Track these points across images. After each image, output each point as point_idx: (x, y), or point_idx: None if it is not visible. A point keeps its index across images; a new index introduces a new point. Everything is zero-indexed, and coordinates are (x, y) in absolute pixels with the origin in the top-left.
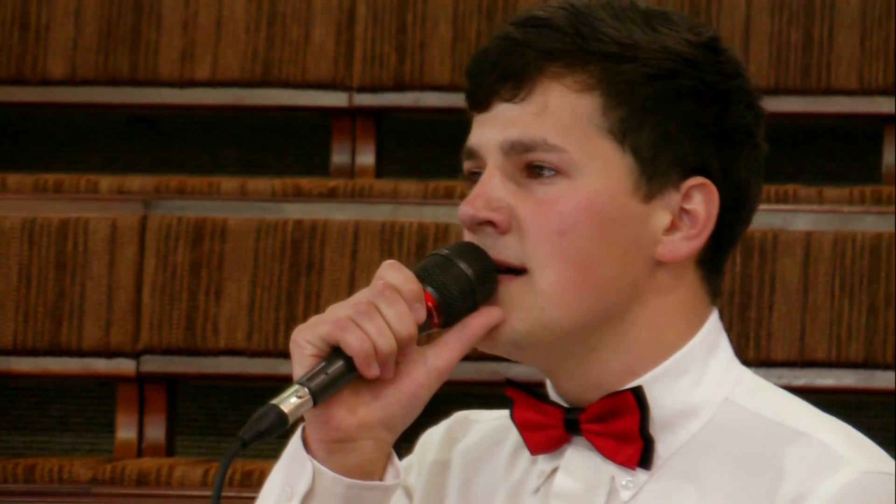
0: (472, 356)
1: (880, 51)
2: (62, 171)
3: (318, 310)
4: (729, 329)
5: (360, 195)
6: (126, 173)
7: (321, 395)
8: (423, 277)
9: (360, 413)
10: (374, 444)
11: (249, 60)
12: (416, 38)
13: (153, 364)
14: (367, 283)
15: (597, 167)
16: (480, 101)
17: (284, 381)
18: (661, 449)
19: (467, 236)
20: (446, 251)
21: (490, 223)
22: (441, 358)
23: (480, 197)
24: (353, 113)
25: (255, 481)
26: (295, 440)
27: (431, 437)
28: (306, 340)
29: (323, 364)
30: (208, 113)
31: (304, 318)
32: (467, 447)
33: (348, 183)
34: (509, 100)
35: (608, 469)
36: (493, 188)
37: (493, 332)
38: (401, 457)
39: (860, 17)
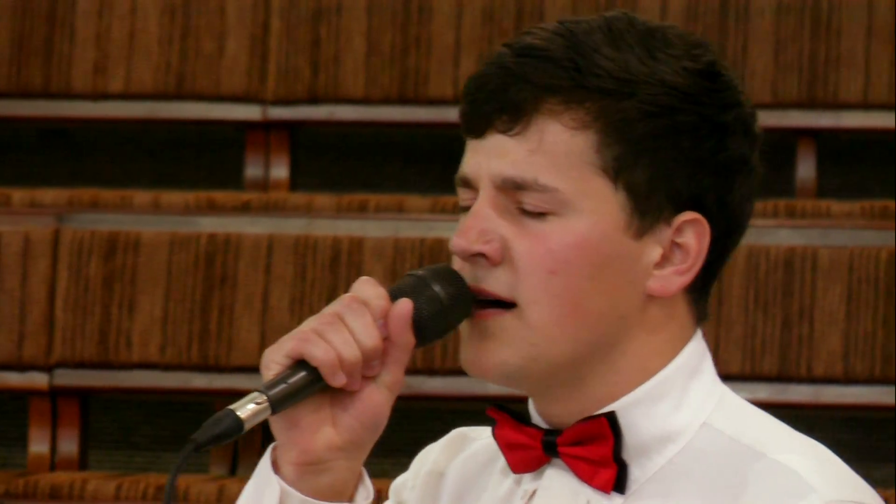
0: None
1: (794, 64)
2: None
3: (232, 323)
4: None
5: (274, 208)
6: (38, 186)
7: (280, 403)
8: (395, 296)
9: (327, 436)
10: (345, 466)
11: (163, 73)
12: (330, 52)
13: (66, 378)
14: (282, 296)
15: (589, 205)
16: (476, 128)
17: (198, 395)
18: (637, 473)
19: (457, 263)
20: (422, 272)
21: (482, 255)
22: (389, 372)
23: (473, 229)
24: (266, 126)
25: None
26: (264, 461)
27: (428, 453)
28: (272, 360)
29: (285, 374)
30: (121, 126)
31: (218, 332)
32: (462, 463)
33: (262, 196)
34: (504, 132)
35: (585, 492)
36: (486, 220)
37: (484, 362)
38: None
39: (773, 31)
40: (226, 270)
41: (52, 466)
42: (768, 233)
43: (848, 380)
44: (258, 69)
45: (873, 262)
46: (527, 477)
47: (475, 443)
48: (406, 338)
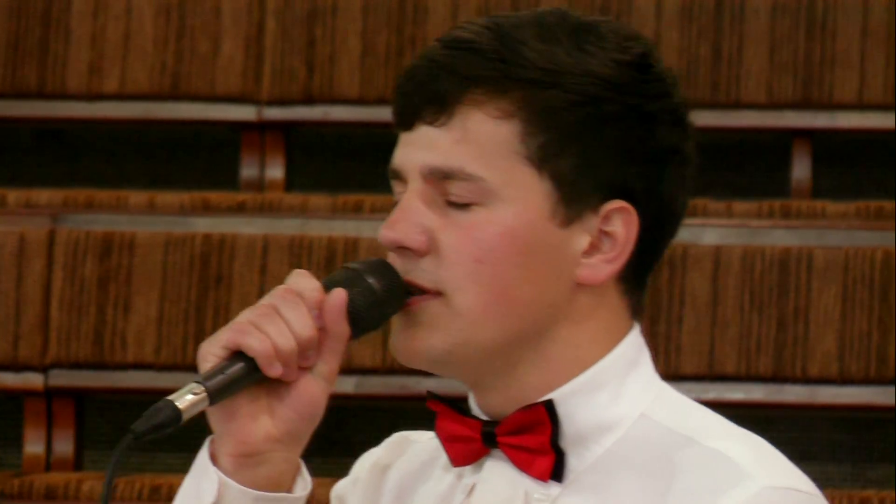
0: (382, 371)
1: (789, 65)
2: None
3: (227, 324)
4: None
5: (269, 209)
6: (33, 187)
7: (218, 394)
8: (329, 288)
9: (265, 427)
10: (282, 456)
11: (158, 74)
12: (326, 52)
13: (61, 378)
14: None
15: (514, 194)
16: (405, 121)
17: None
18: (575, 462)
19: (389, 257)
20: (356, 265)
21: (409, 247)
22: (325, 362)
23: (400, 221)
24: (262, 127)
25: (163, 496)
26: (201, 453)
27: (369, 457)
28: (209, 353)
29: (223, 365)
30: (116, 126)
31: (213, 332)
32: (403, 465)
33: (257, 197)
34: (431, 123)
35: (523, 482)
36: (413, 212)
37: (413, 348)
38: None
39: (769, 31)
40: (221, 271)
41: (48, 467)
42: (763, 233)
43: (843, 380)
44: (253, 70)
45: (868, 262)
46: (467, 471)
47: (416, 444)
48: (341, 327)
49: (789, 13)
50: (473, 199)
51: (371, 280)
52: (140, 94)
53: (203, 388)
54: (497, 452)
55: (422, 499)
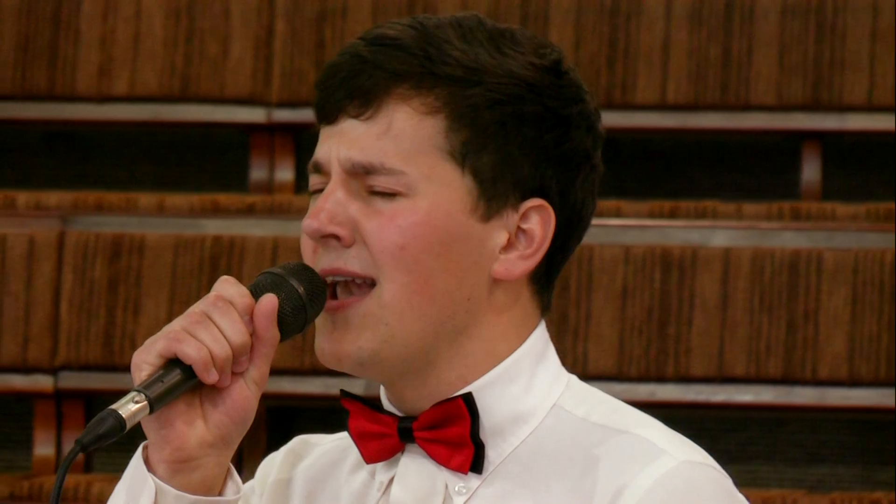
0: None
1: (798, 67)
2: None
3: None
4: (647, 345)
5: (279, 211)
6: (43, 189)
7: (158, 402)
8: (256, 294)
9: (199, 433)
10: (215, 461)
11: (167, 76)
12: (335, 54)
13: (71, 380)
14: None
15: (434, 189)
16: (328, 114)
17: None
18: (493, 454)
19: (308, 248)
20: (278, 270)
21: (334, 236)
22: (256, 367)
23: (324, 211)
24: (271, 128)
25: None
26: (136, 460)
27: (272, 461)
28: (143, 362)
29: (160, 373)
30: (126, 128)
31: None
32: (308, 466)
33: (267, 199)
34: (355, 117)
35: (442, 476)
36: (337, 202)
37: (339, 350)
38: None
39: (778, 33)
40: (230, 273)
41: (57, 468)
42: (773, 235)
43: (852, 382)
44: (263, 71)
45: (878, 264)
46: (379, 468)
47: (318, 447)
48: (272, 333)
49: (799, 15)
50: (395, 190)
51: (295, 284)
52: (150, 96)
53: (144, 397)
54: (412, 447)
55: (333, 499)
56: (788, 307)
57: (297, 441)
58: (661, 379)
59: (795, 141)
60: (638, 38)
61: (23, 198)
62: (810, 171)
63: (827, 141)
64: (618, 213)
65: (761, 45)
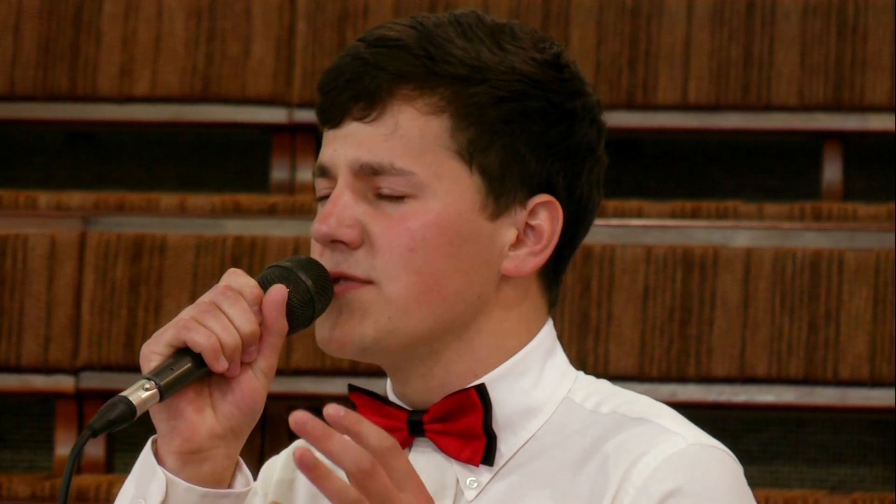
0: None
1: (820, 67)
2: (0, 188)
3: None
4: (668, 346)
5: (301, 211)
6: (65, 189)
7: (168, 390)
8: (264, 285)
9: (209, 423)
10: (225, 453)
11: (189, 76)
12: None
13: (92, 380)
14: None
15: (444, 188)
16: (332, 118)
17: None
18: (504, 448)
19: (316, 251)
20: (288, 263)
21: (342, 241)
22: (265, 358)
23: (332, 215)
24: (293, 129)
25: None
26: (145, 453)
27: (274, 463)
28: (152, 352)
29: (170, 361)
30: (147, 129)
31: None
32: None
33: (288, 199)
34: (360, 119)
35: (452, 470)
36: (345, 206)
37: (342, 336)
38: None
39: (800, 33)
40: (252, 273)
41: (79, 469)
42: (794, 235)
43: (874, 382)
44: (284, 72)
45: None
46: None
47: None
48: (280, 323)
49: (820, 15)
50: (405, 191)
51: (303, 277)
52: (171, 96)
53: (154, 384)
54: (421, 442)
55: None
56: (810, 307)
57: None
58: (682, 379)
59: (817, 141)
60: (659, 38)
61: (44, 198)
62: (832, 171)
63: (848, 141)
64: (639, 214)
65: (783, 45)
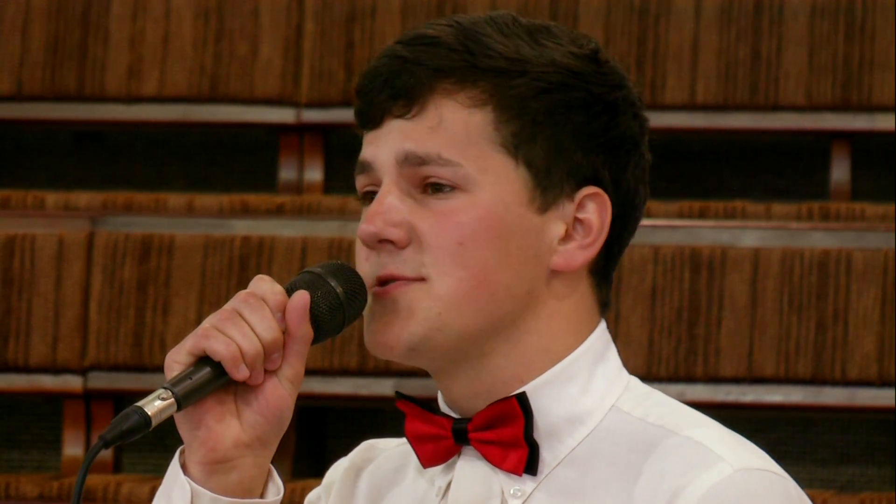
0: (420, 373)
1: (828, 67)
2: (8, 188)
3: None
4: (676, 346)
5: (308, 211)
6: (73, 189)
7: (185, 399)
8: (291, 292)
9: (234, 432)
10: (253, 462)
11: (197, 76)
12: (364, 54)
13: (100, 380)
14: None
15: (491, 180)
16: (372, 118)
17: None
18: (548, 456)
19: (362, 253)
20: (318, 269)
21: (390, 241)
22: (290, 365)
23: (379, 215)
24: (300, 129)
25: None
26: (172, 463)
27: (339, 467)
28: (174, 361)
29: (189, 370)
30: (155, 129)
31: None
32: (373, 472)
33: (296, 199)
34: (401, 116)
35: (497, 478)
36: (392, 205)
37: (390, 337)
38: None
39: (808, 33)
40: (260, 273)
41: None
42: (802, 235)
43: (882, 383)
44: (292, 72)
45: None
46: (437, 474)
47: (384, 452)
48: (304, 329)
49: (828, 15)
50: (453, 182)
51: (333, 283)
52: (179, 96)
53: (171, 394)
54: (469, 450)
55: (396, 501)
56: (818, 307)
57: (364, 447)
58: (690, 379)
59: (825, 141)
60: (667, 38)
61: (52, 198)
62: (840, 171)
63: (856, 141)
64: (647, 214)
65: (790, 45)
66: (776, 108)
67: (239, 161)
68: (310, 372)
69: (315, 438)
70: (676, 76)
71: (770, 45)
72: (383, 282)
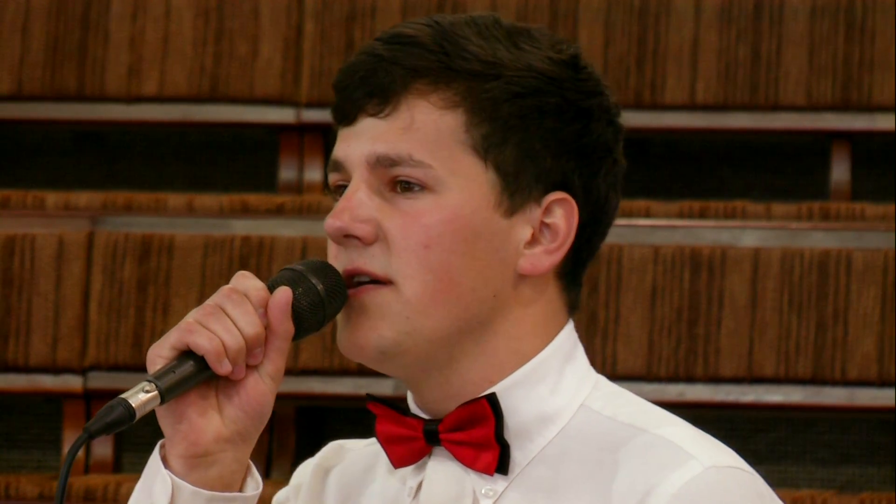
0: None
1: (828, 67)
2: (8, 187)
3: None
4: (676, 346)
5: (309, 211)
6: (73, 189)
7: (169, 392)
8: (272, 289)
9: (215, 427)
10: (233, 456)
11: (197, 76)
12: None
13: (100, 380)
14: None
15: (460, 183)
16: (347, 115)
17: None
18: (519, 456)
19: (332, 250)
20: (300, 266)
21: (356, 236)
22: (270, 361)
23: (347, 210)
24: (300, 129)
25: None
26: (152, 457)
27: (306, 468)
28: (157, 355)
29: (173, 364)
30: (155, 129)
31: None
32: (342, 473)
33: (296, 199)
34: (375, 115)
35: (469, 478)
36: (360, 201)
37: (360, 338)
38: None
39: (808, 33)
40: (260, 273)
41: (87, 469)
42: (802, 235)
43: (882, 382)
44: (292, 72)
45: None
46: (408, 473)
47: (352, 452)
48: (286, 326)
49: (828, 15)
50: (422, 181)
51: (314, 280)
52: (179, 96)
53: (154, 386)
54: (439, 450)
55: (367, 501)
56: (818, 307)
57: (331, 447)
58: (690, 379)
59: (825, 141)
60: (667, 38)
61: (52, 198)
62: (839, 171)
63: (856, 141)
64: (647, 214)
65: (790, 45)
66: (776, 108)
67: (239, 161)
68: (310, 372)
69: (315, 438)
70: (676, 76)
71: (770, 45)
72: (351, 275)
